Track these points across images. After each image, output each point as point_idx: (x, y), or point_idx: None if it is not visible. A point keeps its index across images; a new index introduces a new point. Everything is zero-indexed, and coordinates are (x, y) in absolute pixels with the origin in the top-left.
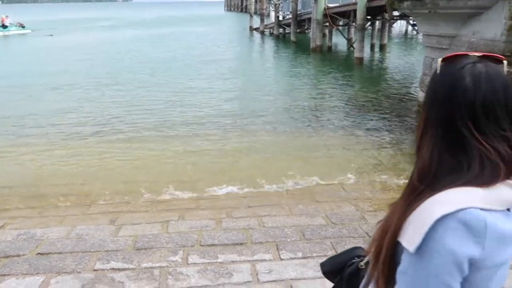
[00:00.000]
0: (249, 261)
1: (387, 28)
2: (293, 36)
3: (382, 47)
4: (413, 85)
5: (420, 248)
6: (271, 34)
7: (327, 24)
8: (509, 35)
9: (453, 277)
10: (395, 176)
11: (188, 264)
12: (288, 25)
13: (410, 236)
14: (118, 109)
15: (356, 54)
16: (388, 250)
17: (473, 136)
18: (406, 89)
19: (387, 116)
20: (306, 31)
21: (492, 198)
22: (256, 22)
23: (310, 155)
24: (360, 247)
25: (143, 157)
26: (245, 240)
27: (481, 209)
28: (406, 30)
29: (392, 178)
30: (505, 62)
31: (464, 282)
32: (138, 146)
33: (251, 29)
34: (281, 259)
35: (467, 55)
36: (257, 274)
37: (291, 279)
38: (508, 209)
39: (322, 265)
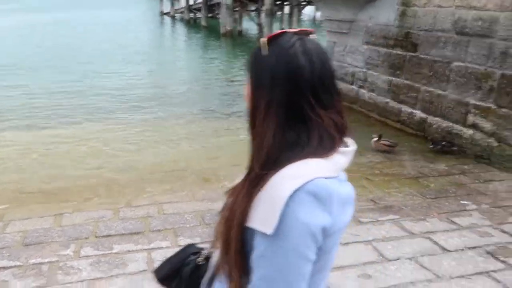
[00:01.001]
0: (145, 249)
1: (296, 13)
2: (204, 21)
3: None
4: None
5: (277, 227)
6: (182, 19)
7: (237, 9)
8: (401, 20)
9: (310, 248)
10: None
11: (80, 257)
12: (199, 9)
13: (264, 218)
14: (13, 96)
15: None
16: (238, 239)
17: (314, 111)
18: None
19: None
20: (217, 16)
21: (330, 167)
22: (167, 6)
23: (217, 140)
24: (192, 244)
25: (35, 146)
26: (143, 229)
27: (325, 178)
28: (314, 16)
29: None
30: (314, 35)
31: (318, 250)
32: (30, 134)
33: (162, 13)
34: (179, 246)
35: (286, 32)
36: (153, 262)
37: None
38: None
39: (156, 272)
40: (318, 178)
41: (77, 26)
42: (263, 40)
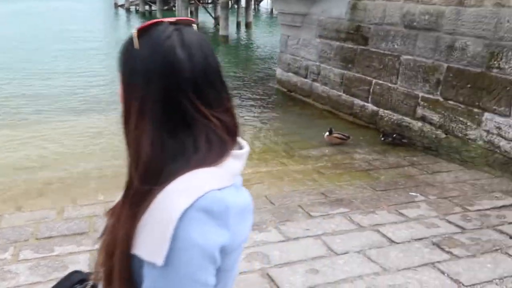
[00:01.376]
0: (88, 251)
1: (252, 6)
2: (159, 14)
3: (247, 25)
4: (274, 61)
5: (167, 255)
6: (137, 11)
7: (193, 1)
8: (352, 13)
9: (207, 271)
10: (252, 152)
11: (18, 260)
12: (154, 2)
13: (152, 246)
14: None
15: (221, 32)
16: (122, 268)
17: (198, 110)
18: (268, 66)
19: (249, 94)
20: (173, 8)
21: (224, 174)
22: None
23: None
24: (78, 271)
25: None
26: (87, 229)
27: (219, 189)
28: (272, 9)
29: (250, 154)
30: (194, 25)
31: (218, 272)
32: None
33: (116, 6)
34: None
35: (161, 22)
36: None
37: None
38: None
39: None
40: (211, 191)
41: (27, 19)
42: (134, 32)
